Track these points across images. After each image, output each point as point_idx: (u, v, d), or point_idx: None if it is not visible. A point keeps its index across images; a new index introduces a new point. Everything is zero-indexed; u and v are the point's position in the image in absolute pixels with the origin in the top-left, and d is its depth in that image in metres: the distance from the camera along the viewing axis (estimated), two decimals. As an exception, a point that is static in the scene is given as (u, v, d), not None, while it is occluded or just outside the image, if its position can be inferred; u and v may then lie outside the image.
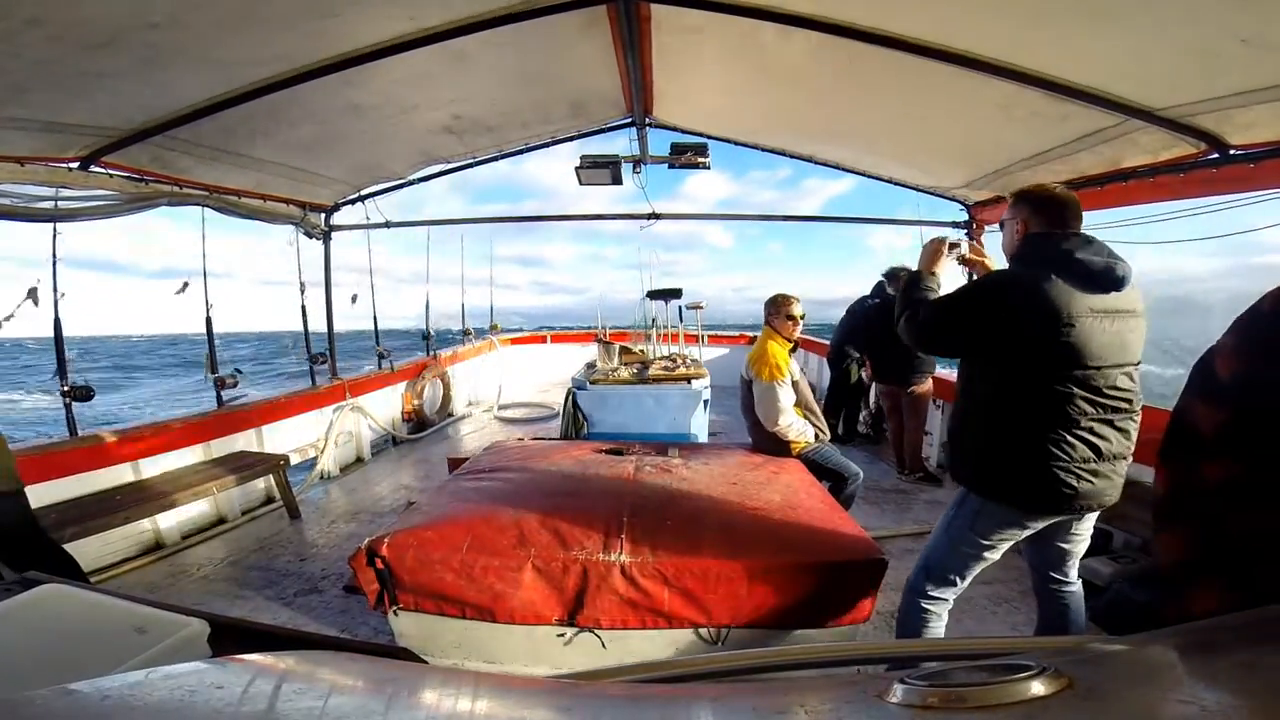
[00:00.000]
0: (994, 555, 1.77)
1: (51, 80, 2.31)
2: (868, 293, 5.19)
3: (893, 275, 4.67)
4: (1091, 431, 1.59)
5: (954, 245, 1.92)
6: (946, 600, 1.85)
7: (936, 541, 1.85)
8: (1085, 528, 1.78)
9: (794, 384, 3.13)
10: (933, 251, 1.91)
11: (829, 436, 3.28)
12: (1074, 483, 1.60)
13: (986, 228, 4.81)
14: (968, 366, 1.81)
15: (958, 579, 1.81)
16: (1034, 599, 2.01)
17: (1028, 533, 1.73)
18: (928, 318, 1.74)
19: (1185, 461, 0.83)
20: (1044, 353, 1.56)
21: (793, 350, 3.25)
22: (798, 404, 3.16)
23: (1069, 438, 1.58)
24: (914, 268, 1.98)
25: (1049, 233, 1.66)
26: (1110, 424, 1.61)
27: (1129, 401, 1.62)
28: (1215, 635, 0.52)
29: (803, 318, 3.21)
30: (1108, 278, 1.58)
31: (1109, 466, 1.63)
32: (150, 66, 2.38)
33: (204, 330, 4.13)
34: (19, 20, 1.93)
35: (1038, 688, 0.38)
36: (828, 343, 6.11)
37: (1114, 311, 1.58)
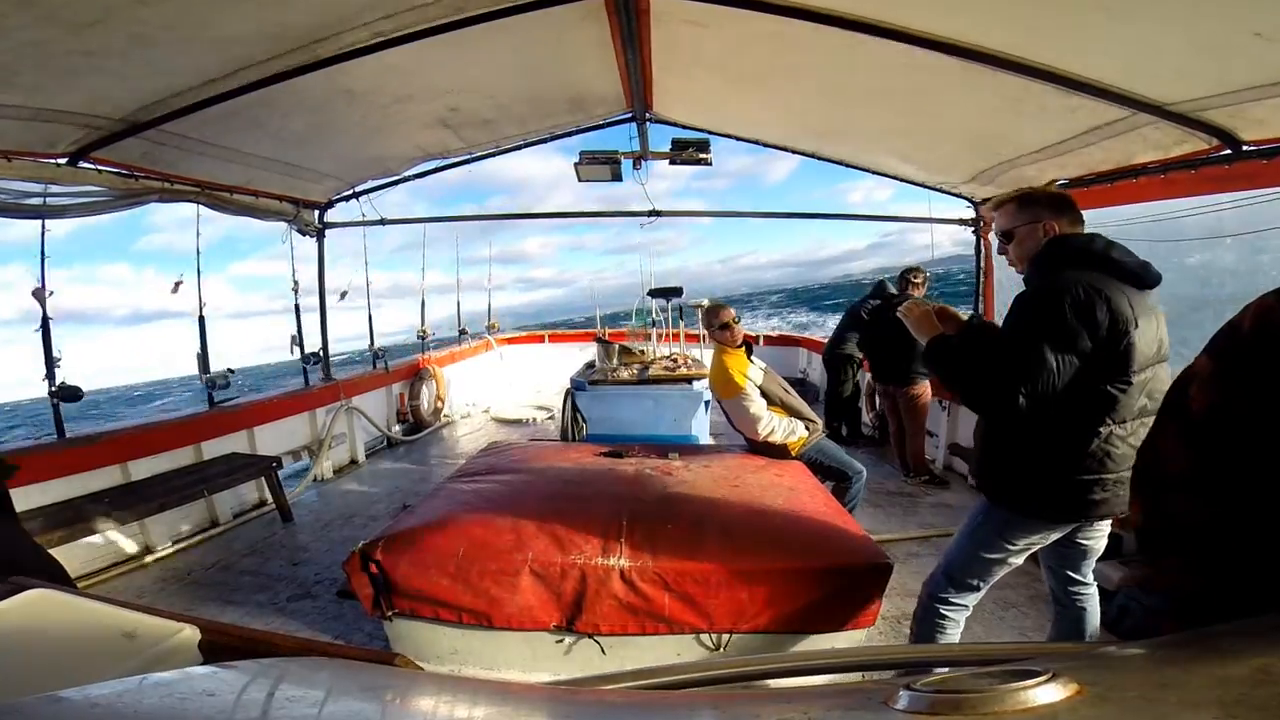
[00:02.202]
0: (1019, 561, 1.75)
1: (41, 62, 2.30)
2: (867, 294, 5.20)
3: (907, 275, 4.62)
4: (1135, 436, 1.56)
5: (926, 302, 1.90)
6: (966, 607, 1.83)
7: (960, 546, 1.81)
8: (1106, 524, 1.77)
9: (761, 388, 3.10)
10: (923, 313, 1.82)
11: (820, 424, 3.25)
12: (1119, 491, 1.57)
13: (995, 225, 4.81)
14: None
15: (980, 584, 1.79)
16: (1042, 604, 2.01)
17: (1055, 537, 1.71)
18: (1005, 373, 1.51)
19: (1153, 496, 0.78)
20: (1109, 360, 1.50)
21: (749, 351, 3.24)
22: (773, 404, 3.13)
23: (1118, 445, 1.55)
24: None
25: (1075, 234, 1.62)
26: (1148, 425, 1.55)
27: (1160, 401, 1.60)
28: (1230, 639, 0.52)
29: (737, 321, 3.23)
30: (1145, 276, 1.56)
31: None
32: (141, 44, 2.37)
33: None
34: (9, 2, 1.93)
35: (1048, 694, 0.38)
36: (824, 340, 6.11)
37: (1152, 310, 1.57)
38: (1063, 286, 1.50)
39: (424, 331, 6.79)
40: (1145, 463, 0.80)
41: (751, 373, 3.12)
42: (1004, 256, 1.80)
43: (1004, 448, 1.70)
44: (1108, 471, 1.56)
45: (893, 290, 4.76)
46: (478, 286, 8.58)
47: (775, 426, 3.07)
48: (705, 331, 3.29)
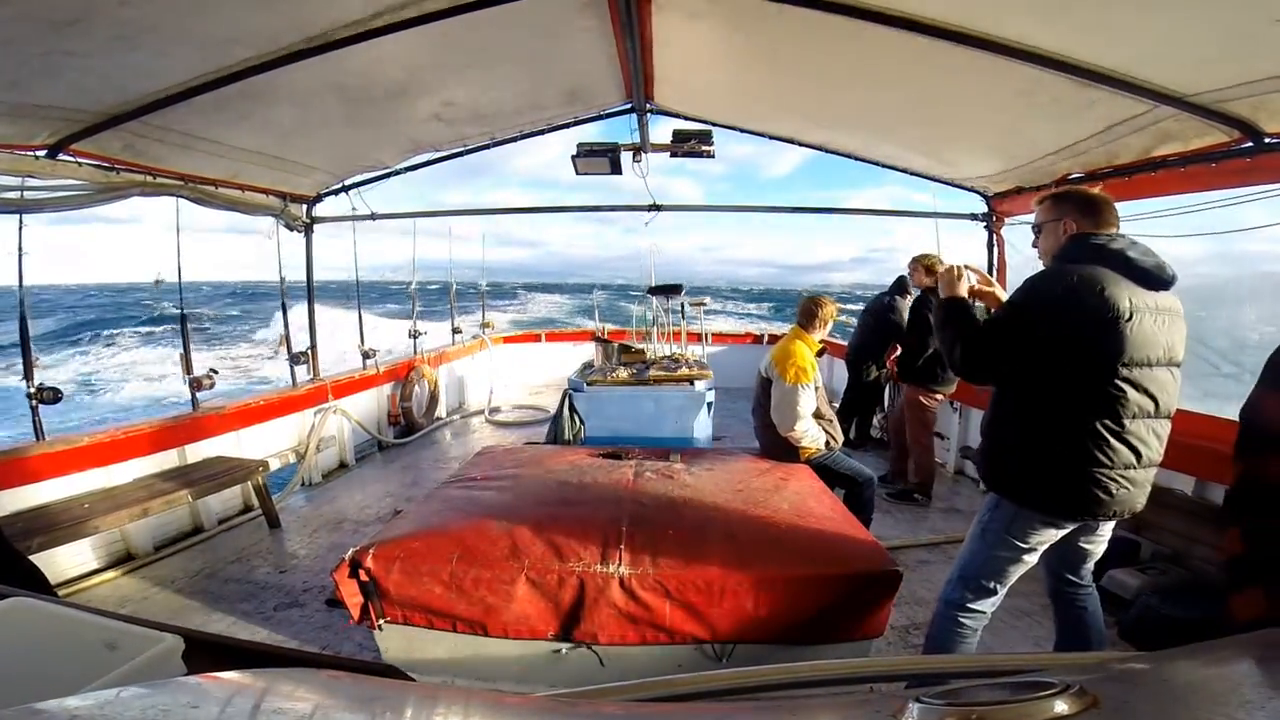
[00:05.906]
0: (1033, 559, 1.79)
1: (19, 61, 2.30)
2: (885, 290, 5.16)
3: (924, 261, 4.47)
4: (1135, 435, 1.62)
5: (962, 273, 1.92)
6: (984, 613, 1.85)
7: (972, 550, 1.85)
8: (1108, 529, 1.82)
9: (815, 389, 3.16)
10: (954, 278, 1.90)
11: (840, 442, 3.30)
12: (1113, 490, 1.63)
13: (1007, 220, 4.81)
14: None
15: (998, 587, 1.82)
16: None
17: (1062, 534, 1.75)
18: (988, 340, 1.69)
19: (1254, 457, 0.83)
20: (1100, 349, 1.57)
21: (820, 354, 3.30)
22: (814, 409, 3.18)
23: (1113, 441, 1.61)
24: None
25: (1096, 232, 1.71)
26: (1151, 428, 1.64)
27: (1169, 405, 1.66)
28: (1245, 651, 0.52)
29: (825, 324, 3.30)
30: (1159, 276, 1.63)
31: (1143, 474, 1.67)
32: (122, 45, 2.37)
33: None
34: None
35: (1061, 706, 0.38)
36: (845, 344, 6.07)
37: (1164, 310, 1.63)
38: (1053, 275, 1.65)
39: (416, 330, 6.78)
40: (1247, 425, 0.83)
41: (815, 372, 3.20)
42: (1036, 249, 1.88)
43: (1006, 439, 1.77)
44: (1103, 468, 1.61)
45: (925, 283, 4.44)
46: (484, 296, 8.52)
47: (810, 429, 3.12)
48: (798, 318, 3.36)
